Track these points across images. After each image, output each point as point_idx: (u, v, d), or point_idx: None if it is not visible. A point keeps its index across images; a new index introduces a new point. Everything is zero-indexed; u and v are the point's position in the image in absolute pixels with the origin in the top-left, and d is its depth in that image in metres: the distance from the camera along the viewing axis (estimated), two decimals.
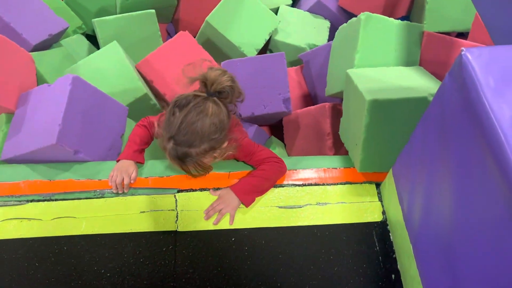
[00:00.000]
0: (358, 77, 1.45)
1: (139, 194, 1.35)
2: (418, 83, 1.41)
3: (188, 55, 1.80)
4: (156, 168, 1.41)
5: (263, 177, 1.34)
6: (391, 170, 1.31)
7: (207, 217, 1.31)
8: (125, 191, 1.34)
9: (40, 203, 1.31)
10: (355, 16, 1.63)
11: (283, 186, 1.39)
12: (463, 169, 0.84)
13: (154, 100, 1.77)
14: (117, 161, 1.37)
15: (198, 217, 1.32)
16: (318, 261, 1.27)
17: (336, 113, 1.74)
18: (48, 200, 1.32)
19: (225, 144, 1.22)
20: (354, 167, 1.45)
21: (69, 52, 1.84)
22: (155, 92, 1.82)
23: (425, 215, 1.05)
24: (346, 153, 1.68)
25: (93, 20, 1.93)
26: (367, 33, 1.56)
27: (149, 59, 1.77)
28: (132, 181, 1.34)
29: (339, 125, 1.60)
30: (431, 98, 1.30)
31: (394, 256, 1.28)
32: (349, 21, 1.67)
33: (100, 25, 1.92)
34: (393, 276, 1.25)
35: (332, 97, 1.83)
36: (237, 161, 1.43)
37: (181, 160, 1.16)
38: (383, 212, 1.36)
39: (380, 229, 1.33)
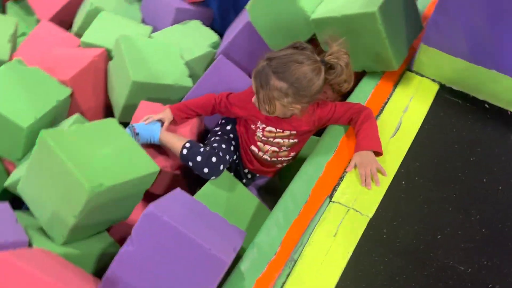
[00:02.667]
0: (331, 11, 1.58)
1: (312, 230, 1.24)
2: None
3: None
4: (297, 197, 1.30)
5: (370, 124, 1.39)
6: (421, 46, 1.54)
7: (369, 185, 1.31)
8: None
9: None
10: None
11: None
12: None
13: None
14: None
15: (367, 195, 1.30)
16: (454, 129, 1.44)
17: None
18: None
19: (297, 105, 1.33)
20: (384, 74, 1.61)
21: None
22: None
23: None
24: None
25: None
26: None
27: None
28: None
29: None
30: None
31: (471, 96, 1.55)
32: None
33: None
34: (486, 105, 1.52)
35: None
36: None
37: (260, 78, 1.29)
38: (434, 80, 1.60)
39: (445, 91, 1.57)
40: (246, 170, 1.72)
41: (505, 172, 1.36)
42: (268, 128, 1.49)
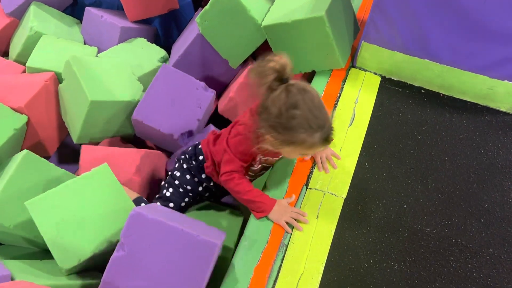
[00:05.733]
0: (280, 18, 1.71)
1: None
2: None
3: None
4: (278, 190, 1.40)
5: None
6: (362, 43, 1.73)
7: (327, 170, 1.45)
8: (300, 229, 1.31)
9: None
10: None
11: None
12: None
13: None
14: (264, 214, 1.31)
15: (338, 179, 1.44)
16: (400, 113, 1.63)
17: None
18: None
19: None
20: (332, 72, 1.78)
21: None
22: None
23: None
24: None
25: None
26: None
27: None
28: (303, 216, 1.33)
29: None
30: None
31: (408, 84, 1.76)
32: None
33: None
34: (422, 90, 1.74)
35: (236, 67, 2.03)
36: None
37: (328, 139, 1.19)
38: (375, 73, 1.79)
39: (386, 82, 1.77)
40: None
41: (448, 144, 1.57)
42: (265, 158, 1.41)
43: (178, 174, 1.51)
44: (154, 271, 1.14)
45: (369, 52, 1.73)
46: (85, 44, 2.29)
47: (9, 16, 2.26)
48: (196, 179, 1.50)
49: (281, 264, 1.24)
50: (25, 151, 1.46)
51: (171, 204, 1.48)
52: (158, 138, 1.85)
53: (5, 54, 2.29)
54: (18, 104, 1.70)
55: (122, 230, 1.14)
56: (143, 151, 1.75)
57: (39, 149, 1.83)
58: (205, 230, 1.26)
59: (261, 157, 1.39)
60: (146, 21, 2.34)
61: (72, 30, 2.29)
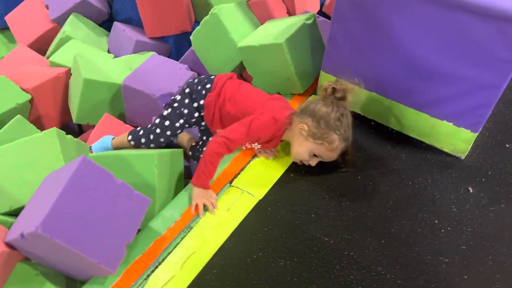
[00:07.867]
0: (253, 41, 1.94)
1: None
2: (286, 22, 2.00)
3: None
4: None
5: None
6: (321, 74, 1.89)
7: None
8: (213, 213, 1.48)
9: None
10: None
11: None
12: None
13: None
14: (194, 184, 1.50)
15: (260, 182, 1.58)
16: None
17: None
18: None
19: None
20: (293, 97, 1.95)
21: None
22: None
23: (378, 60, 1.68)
24: None
25: None
26: (226, 19, 2.05)
27: None
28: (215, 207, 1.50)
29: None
30: (309, 21, 1.92)
31: (362, 115, 1.87)
32: (202, 21, 2.10)
33: None
34: (373, 122, 1.85)
35: None
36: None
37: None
38: None
39: None
40: None
41: (377, 172, 1.65)
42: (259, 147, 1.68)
43: (178, 97, 1.71)
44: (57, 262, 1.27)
45: (326, 81, 1.88)
46: (108, 52, 2.66)
47: (53, 22, 2.70)
48: (195, 105, 1.69)
49: (179, 242, 1.40)
50: (18, 116, 1.78)
51: (167, 122, 1.68)
52: (143, 106, 2.09)
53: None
54: (27, 86, 2.06)
55: (26, 233, 1.13)
56: None
57: (39, 128, 2.15)
58: (118, 223, 1.25)
59: (258, 146, 1.64)
60: (162, 39, 2.67)
61: (100, 39, 2.68)
